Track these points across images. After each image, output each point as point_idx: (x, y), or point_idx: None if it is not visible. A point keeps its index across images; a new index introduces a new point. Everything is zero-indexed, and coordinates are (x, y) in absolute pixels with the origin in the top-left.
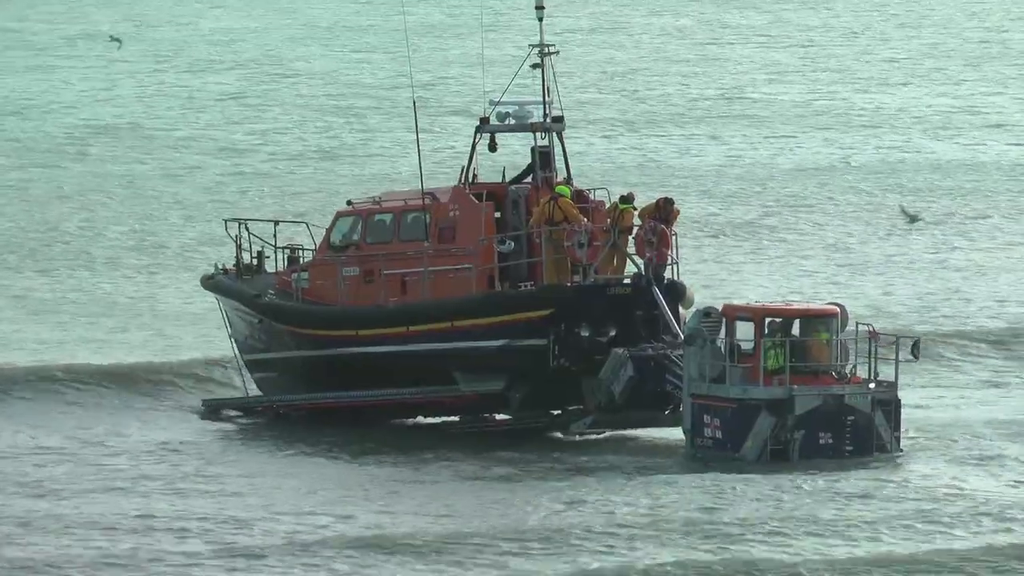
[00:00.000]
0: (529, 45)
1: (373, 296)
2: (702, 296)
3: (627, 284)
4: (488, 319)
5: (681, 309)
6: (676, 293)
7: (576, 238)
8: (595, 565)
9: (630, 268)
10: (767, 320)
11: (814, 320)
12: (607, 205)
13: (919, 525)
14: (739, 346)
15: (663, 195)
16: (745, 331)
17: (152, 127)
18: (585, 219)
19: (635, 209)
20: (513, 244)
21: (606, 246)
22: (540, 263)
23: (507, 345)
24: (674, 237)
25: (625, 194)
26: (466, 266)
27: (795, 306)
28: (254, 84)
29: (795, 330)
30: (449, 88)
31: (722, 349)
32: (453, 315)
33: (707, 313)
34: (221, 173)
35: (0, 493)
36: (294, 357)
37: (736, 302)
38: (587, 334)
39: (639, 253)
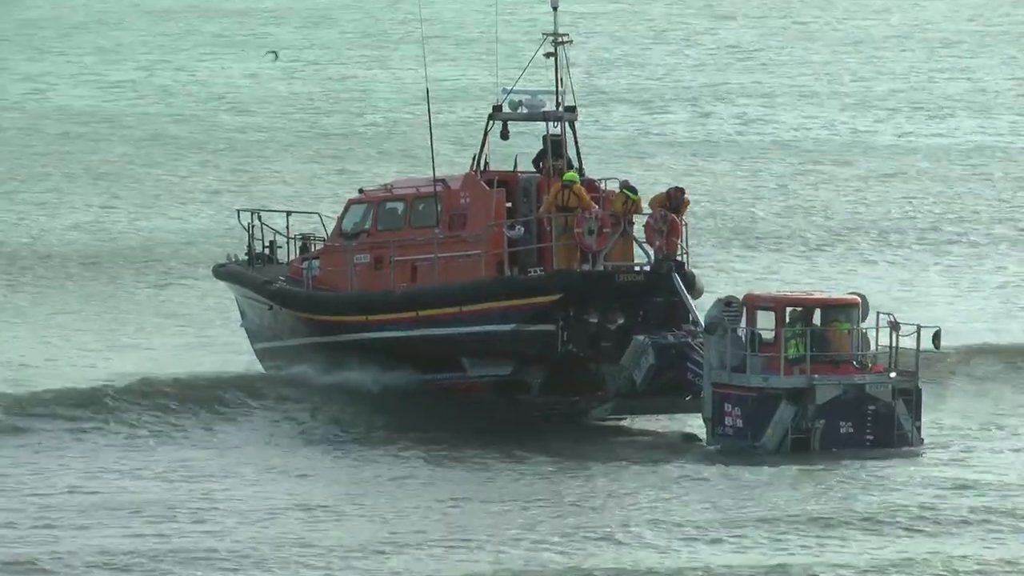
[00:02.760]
0: (543, 34)
1: (383, 283)
2: (712, 286)
3: (639, 271)
4: (496, 304)
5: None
6: (685, 282)
7: (586, 225)
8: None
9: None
10: (788, 310)
11: (835, 310)
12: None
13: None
14: (760, 335)
15: (674, 184)
16: (766, 320)
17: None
18: (596, 206)
19: (636, 197)
20: (523, 230)
21: (616, 234)
22: (550, 249)
23: (515, 330)
24: (684, 227)
25: (625, 181)
26: (476, 252)
27: (816, 296)
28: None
29: (816, 320)
30: (462, 76)
31: (743, 338)
32: (462, 300)
33: (728, 302)
34: (233, 162)
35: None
36: (304, 344)
37: (757, 291)
38: (595, 320)
39: (648, 242)
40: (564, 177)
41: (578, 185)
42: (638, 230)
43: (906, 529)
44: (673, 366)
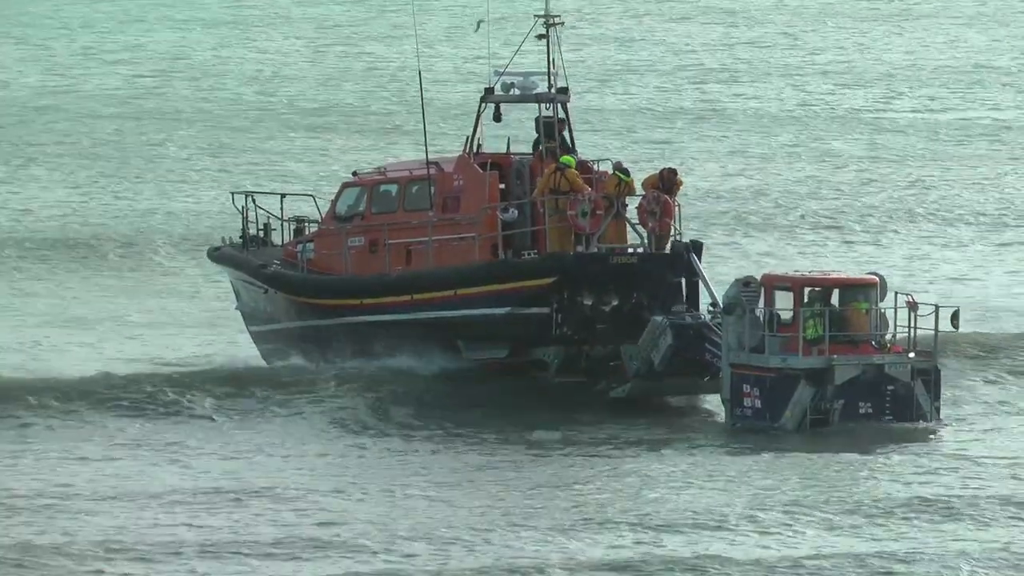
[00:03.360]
0: (534, 16)
1: (378, 266)
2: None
3: (633, 253)
4: (491, 287)
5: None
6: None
7: (579, 207)
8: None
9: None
10: (806, 290)
11: (853, 290)
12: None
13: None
14: (778, 316)
15: (667, 166)
16: (784, 301)
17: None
18: (589, 189)
19: (629, 179)
20: (517, 213)
21: (609, 216)
22: (544, 232)
23: (510, 313)
24: (677, 208)
25: (618, 163)
26: (470, 235)
27: (834, 276)
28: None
29: (834, 300)
30: (454, 57)
31: (761, 319)
32: (456, 283)
33: (747, 282)
34: (223, 144)
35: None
36: (299, 327)
37: (775, 271)
38: (590, 303)
39: (642, 223)
40: (560, 160)
41: (571, 170)
42: (631, 212)
43: (917, 512)
44: (691, 347)
